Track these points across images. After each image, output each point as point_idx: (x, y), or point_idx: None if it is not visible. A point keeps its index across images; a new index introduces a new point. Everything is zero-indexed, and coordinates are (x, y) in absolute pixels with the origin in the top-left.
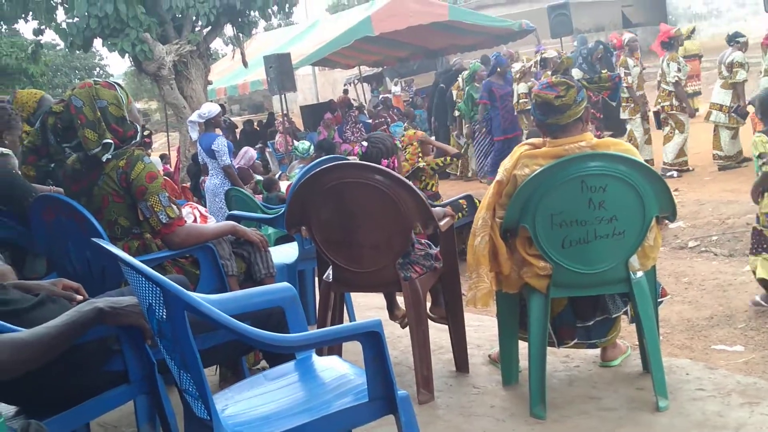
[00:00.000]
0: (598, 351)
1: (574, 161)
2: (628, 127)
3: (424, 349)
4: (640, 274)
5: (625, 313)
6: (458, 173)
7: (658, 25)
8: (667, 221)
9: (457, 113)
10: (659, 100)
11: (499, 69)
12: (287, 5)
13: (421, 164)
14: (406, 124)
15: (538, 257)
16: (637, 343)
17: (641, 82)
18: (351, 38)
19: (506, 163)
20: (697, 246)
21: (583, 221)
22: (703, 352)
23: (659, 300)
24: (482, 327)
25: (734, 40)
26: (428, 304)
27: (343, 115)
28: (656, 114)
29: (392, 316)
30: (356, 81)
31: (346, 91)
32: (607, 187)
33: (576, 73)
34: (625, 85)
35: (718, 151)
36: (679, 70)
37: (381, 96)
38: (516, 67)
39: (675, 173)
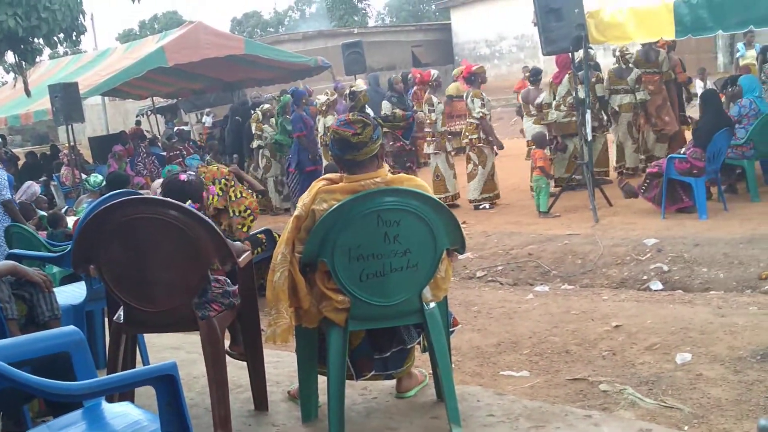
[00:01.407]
0: (394, 381)
1: (371, 196)
2: (433, 162)
3: (221, 389)
4: (432, 305)
5: (419, 343)
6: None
7: (446, 64)
8: (457, 253)
9: (254, 145)
10: (467, 133)
11: (304, 100)
12: (74, 33)
13: (241, 208)
14: (209, 157)
15: (336, 291)
16: (431, 372)
17: (454, 117)
18: (143, 68)
19: (305, 198)
20: (484, 275)
21: (379, 255)
22: (492, 379)
23: (451, 329)
24: (281, 363)
25: (536, 77)
26: (227, 342)
27: (135, 147)
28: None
29: None
30: (149, 112)
31: (138, 123)
32: (401, 221)
33: (385, 106)
34: (428, 121)
35: None
36: (483, 105)
37: (176, 128)
38: (321, 99)
39: (487, 205)
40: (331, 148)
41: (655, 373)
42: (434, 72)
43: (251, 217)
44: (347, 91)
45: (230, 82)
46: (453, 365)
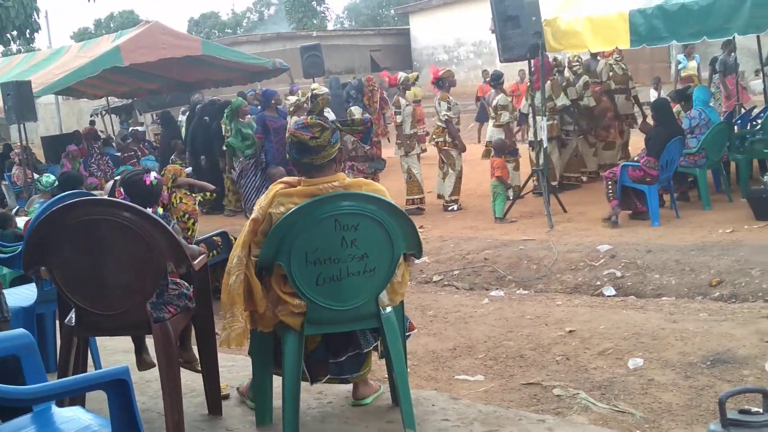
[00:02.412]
0: (350, 386)
1: (328, 200)
2: (404, 164)
3: (174, 393)
4: (389, 309)
5: (375, 348)
6: (233, 207)
7: (404, 69)
8: (413, 258)
9: (225, 147)
10: (434, 136)
11: (274, 101)
12: (28, 30)
13: (180, 213)
14: (173, 156)
15: (293, 295)
16: (387, 376)
17: (415, 120)
18: (98, 68)
19: (262, 201)
20: (440, 280)
21: (336, 259)
22: (448, 383)
23: (407, 334)
24: (236, 367)
25: (497, 81)
26: None
27: (89, 147)
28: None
29: (140, 361)
30: (104, 112)
31: (92, 122)
32: (359, 225)
33: (357, 111)
34: (394, 124)
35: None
36: (449, 108)
37: (131, 128)
38: (291, 100)
39: (455, 207)
40: (289, 151)
41: (608, 377)
42: (401, 74)
43: (192, 220)
44: (309, 94)
45: (187, 82)
46: (408, 369)
